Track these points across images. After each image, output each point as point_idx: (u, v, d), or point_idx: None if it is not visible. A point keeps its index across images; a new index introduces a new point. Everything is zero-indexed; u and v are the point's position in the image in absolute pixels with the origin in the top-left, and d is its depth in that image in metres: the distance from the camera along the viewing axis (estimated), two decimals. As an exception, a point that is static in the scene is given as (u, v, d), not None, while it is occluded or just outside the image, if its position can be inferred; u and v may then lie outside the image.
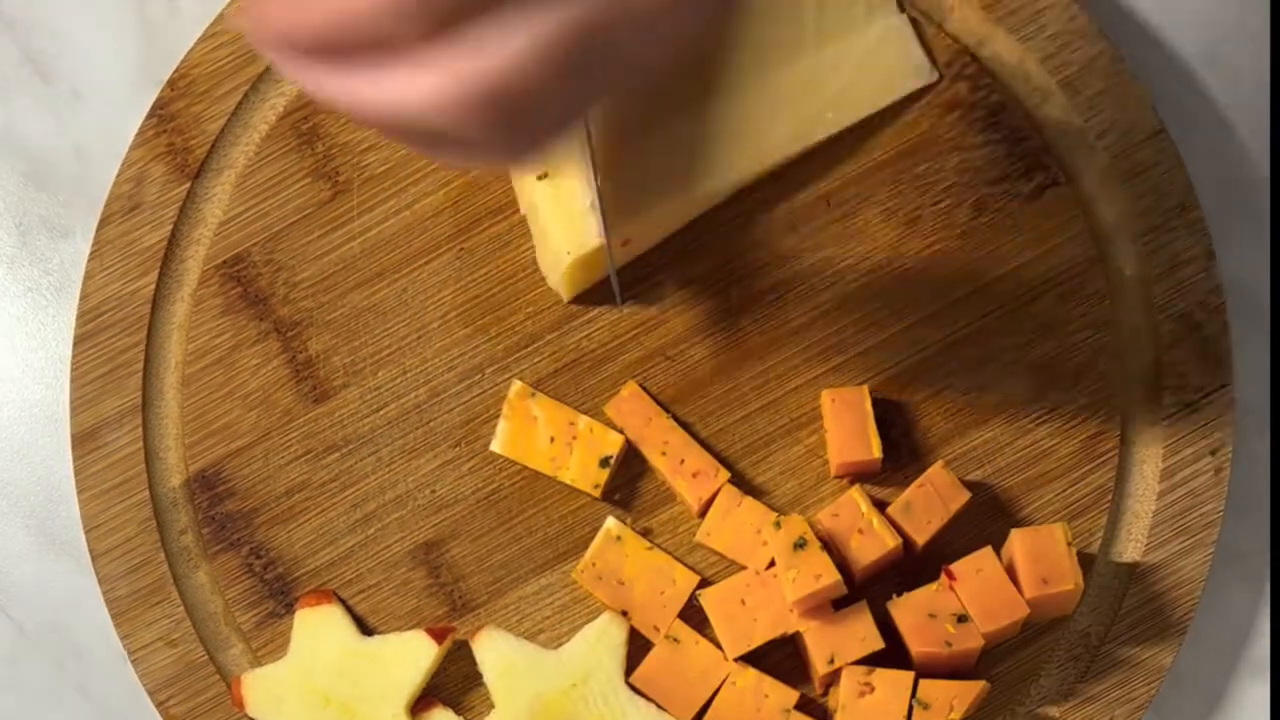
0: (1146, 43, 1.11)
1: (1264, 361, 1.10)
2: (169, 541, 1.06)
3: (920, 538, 1.03)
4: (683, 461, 1.05)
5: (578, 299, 1.07)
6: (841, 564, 1.02)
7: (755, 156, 1.06)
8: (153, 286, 1.07)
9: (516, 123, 0.65)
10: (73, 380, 1.06)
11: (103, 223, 1.07)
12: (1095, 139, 1.08)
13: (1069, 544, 1.01)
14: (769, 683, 1.03)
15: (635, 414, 1.06)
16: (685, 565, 1.05)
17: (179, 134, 1.08)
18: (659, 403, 1.06)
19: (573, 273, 1.04)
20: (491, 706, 1.04)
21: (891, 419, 1.06)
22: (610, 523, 1.05)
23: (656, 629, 1.04)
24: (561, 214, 1.03)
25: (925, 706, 1.01)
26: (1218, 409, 1.06)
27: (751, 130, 1.06)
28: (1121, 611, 1.06)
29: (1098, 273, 1.07)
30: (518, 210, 1.07)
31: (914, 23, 1.08)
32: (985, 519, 1.06)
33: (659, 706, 1.03)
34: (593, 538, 1.05)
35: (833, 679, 1.03)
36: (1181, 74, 1.11)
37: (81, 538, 1.06)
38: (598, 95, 0.66)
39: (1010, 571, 1.02)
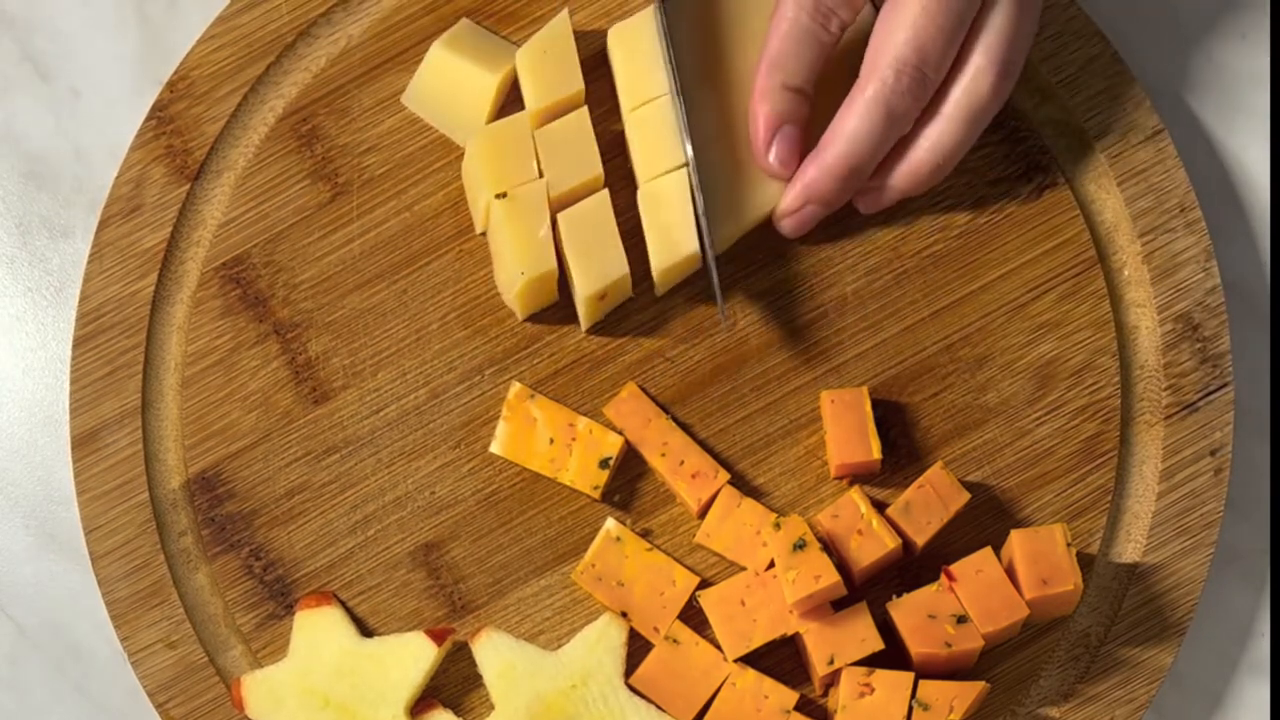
0: (1146, 43, 1.11)
1: (1263, 362, 1.10)
2: (169, 543, 1.06)
3: (920, 538, 1.03)
4: (682, 463, 1.05)
5: (595, 327, 1.07)
6: (841, 565, 1.02)
7: None
8: (152, 288, 1.07)
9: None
10: (72, 382, 1.06)
11: (102, 224, 1.07)
12: (1094, 139, 1.08)
13: (1068, 545, 1.01)
14: (769, 683, 1.03)
15: (635, 415, 1.06)
16: (685, 566, 1.05)
17: (178, 135, 1.08)
18: (658, 404, 1.06)
19: (527, 292, 1.04)
20: (491, 708, 1.04)
21: (891, 420, 1.06)
22: (610, 524, 1.05)
23: (656, 630, 1.04)
24: (518, 234, 1.03)
25: (925, 707, 1.01)
26: (1217, 409, 1.06)
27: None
28: (1121, 612, 1.06)
29: (1096, 273, 1.07)
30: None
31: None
32: (985, 520, 1.06)
33: (659, 708, 1.03)
34: (592, 539, 1.05)
35: (833, 680, 1.03)
36: (1181, 74, 1.11)
37: (81, 538, 1.06)
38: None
39: (1010, 572, 1.02)
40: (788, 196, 1.05)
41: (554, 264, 1.03)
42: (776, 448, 1.06)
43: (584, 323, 1.06)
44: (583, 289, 1.03)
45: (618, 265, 1.03)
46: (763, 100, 1.04)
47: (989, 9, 1.02)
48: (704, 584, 1.05)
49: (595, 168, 1.04)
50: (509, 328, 1.07)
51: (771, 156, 1.04)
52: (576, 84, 1.05)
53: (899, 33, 1.01)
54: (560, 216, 1.03)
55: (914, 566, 1.05)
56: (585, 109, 1.05)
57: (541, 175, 1.04)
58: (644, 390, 1.06)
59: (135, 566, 1.06)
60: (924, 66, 1.01)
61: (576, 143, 1.04)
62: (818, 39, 1.03)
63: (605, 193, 1.04)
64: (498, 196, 1.03)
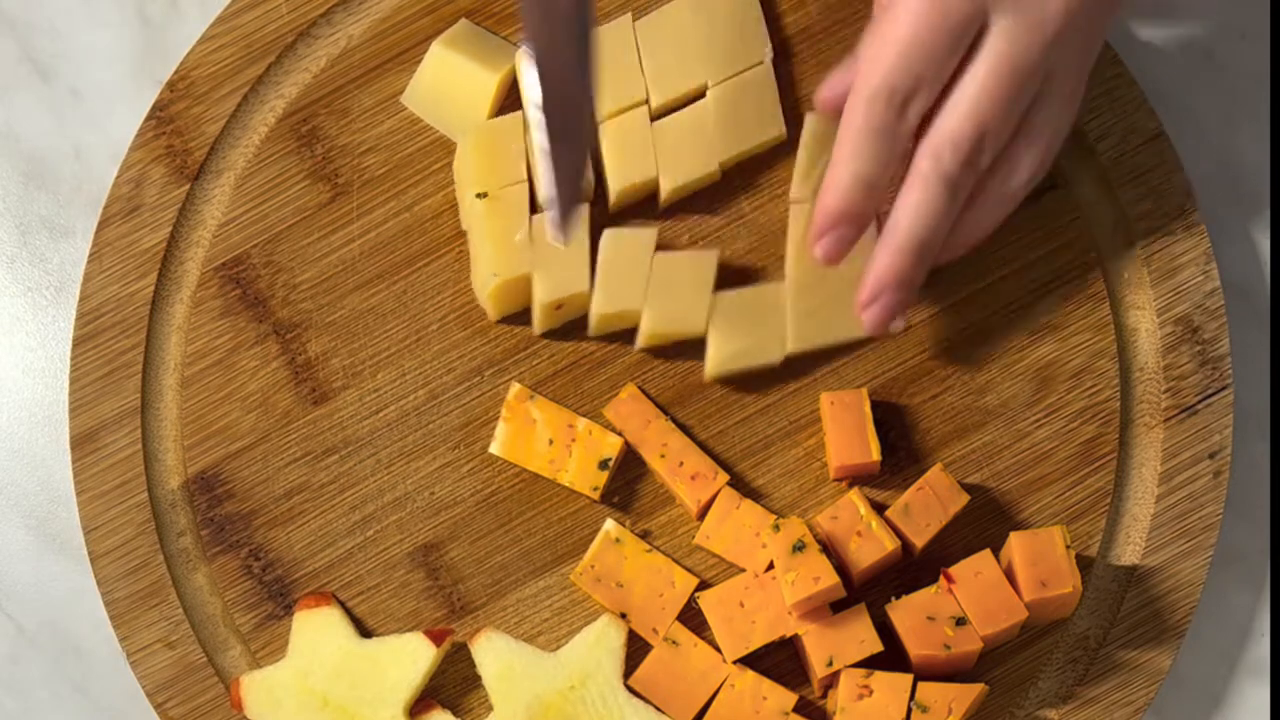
0: (1146, 43, 1.11)
1: (1263, 364, 1.10)
2: (168, 543, 1.06)
3: (919, 540, 1.03)
4: (681, 464, 1.05)
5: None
6: (840, 566, 1.02)
7: None
8: (152, 288, 1.07)
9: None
10: (71, 382, 1.06)
11: (102, 224, 1.07)
12: (1094, 142, 1.08)
13: (1067, 547, 1.01)
14: (768, 685, 1.03)
15: (634, 416, 1.06)
16: (684, 567, 1.05)
17: (178, 136, 1.08)
18: (658, 405, 1.06)
19: (499, 295, 1.04)
20: (490, 709, 1.04)
21: (890, 421, 1.06)
22: (609, 525, 1.05)
23: (655, 631, 1.04)
24: (495, 235, 1.03)
25: (924, 709, 1.01)
26: (1217, 412, 1.06)
27: None
28: (1121, 614, 1.06)
29: (1096, 275, 1.07)
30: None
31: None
32: (984, 522, 1.06)
33: (657, 709, 1.03)
34: (591, 540, 1.05)
35: (831, 681, 1.03)
36: (1181, 74, 1.11)
37: (81, 538, 1.06)
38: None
39: (1009, 574, 1.02)
40: (863, 288, 1.01)
41: (527, 269, 1.03)
42: (776, 449, 1.06)
43: (536, 326, 1.06)
44: (540, 295, 1.03)
45: (579, 280, 1.03)
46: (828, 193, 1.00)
47: (1041, 100, 0.99)
48: (703, 585, 1.05)
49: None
50: (508, 329, 1.07)
51: (819, 251, 1.00)
52: None
53: (961, 104, 0.98)
54: (534, 219, 1.03)
55: (913, 568, 1.05)
56: None
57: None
58: (644, 391, 1.06)
59: (134, 566, 1.06)
60: (984, 141, 0.98)
61: None
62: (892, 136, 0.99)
63: (584, 205, 1.04)
64: (478, 196, 1.03)
